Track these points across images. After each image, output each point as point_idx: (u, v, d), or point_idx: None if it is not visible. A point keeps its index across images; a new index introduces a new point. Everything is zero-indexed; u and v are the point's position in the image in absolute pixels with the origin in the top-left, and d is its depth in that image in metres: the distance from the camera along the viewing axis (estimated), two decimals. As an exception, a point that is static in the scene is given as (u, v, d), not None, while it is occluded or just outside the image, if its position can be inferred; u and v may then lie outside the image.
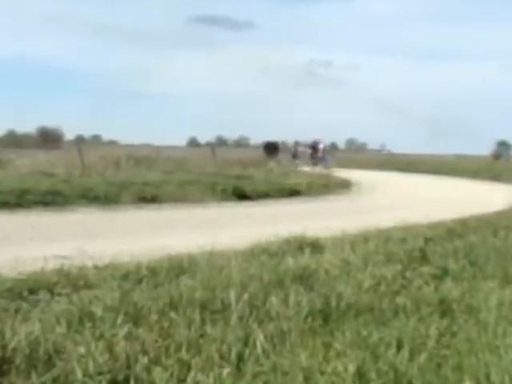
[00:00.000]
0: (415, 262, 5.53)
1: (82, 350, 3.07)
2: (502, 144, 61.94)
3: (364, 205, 14.66)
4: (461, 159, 44.32)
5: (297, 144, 33.91)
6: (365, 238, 6.93)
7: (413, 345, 3.37)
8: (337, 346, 3.31)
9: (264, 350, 3.23)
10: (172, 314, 3.65)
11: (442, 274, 5.19)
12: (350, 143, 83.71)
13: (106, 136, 73.23)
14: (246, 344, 3.27)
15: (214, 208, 12.82)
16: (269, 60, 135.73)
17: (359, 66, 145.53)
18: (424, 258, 5.75)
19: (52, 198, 11.69)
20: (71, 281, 4.56)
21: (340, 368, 3.00)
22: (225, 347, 3.20)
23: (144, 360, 3.01)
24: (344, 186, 19.95)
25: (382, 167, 29.20)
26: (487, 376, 3.00)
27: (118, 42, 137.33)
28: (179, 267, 5.05)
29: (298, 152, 32.69)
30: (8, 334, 3.19)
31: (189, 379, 2.90)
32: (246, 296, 3.96)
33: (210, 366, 3.03)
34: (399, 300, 4.24)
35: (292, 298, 4.02)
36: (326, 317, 3.82)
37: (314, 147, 31.61)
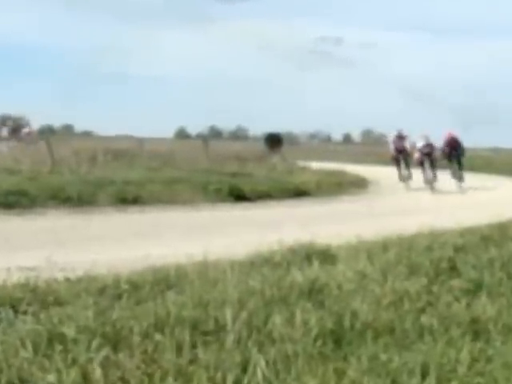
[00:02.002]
0: (443, 275, 5.54)
1: (51, 377, 3.07)
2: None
3: (383, 207, 14.67)
4: (498, 153, 44.30)
5: (401, 138, 21.20)
6: (384, 246, 6.94)
7: (440, 372, 3.38)
8: (351, 373, 3.31)
9: (265, 378, 3.23)
10: (157, 336, 3.65)
11: (475, 288, 5.19)
12: (366, 135, 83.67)
13: (80, 126, 73.46)
14: (244, 371, 3.27)
15: (207, 211, 12.82)
16: (269, 37, 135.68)
17: (376, 43, 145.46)
18: (454, 270, 5.75)
19: (16, 199, 11.69)
20: (39, 296, 4.56)
21: (355, 399, 3.00)
22: (219, 375, 3.20)
23: (124, 390, 3.01)
24: (360, 184, 19.95)
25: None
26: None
27: (92, 16, 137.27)
28: (166, 281, 5.05)
29: (405, 152, 21.04)
30: (-36, 359, 3.19)
31: (177, 412, 2.90)
32: (244, 314, 3.96)
33: (202, 396, 3.03)
34: (424, 319, 4.25)
35: (298, 317, 4.02)
36: (338, 339, 3.82)
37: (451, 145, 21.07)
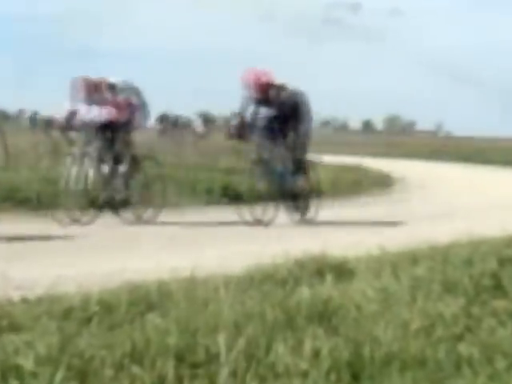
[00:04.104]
0: (485, 294, 5.54)
1: (4, 419, 3.08)
2: None
3: (411, 211, 14.67)
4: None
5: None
6: (413, 258, 6.94)
7: (482, 412, 3.38)
8: (372, 414, 3.31)
9: (267, 421, 3.24)
10: (135, 369, 3.65)
11: (524, 310, 5.19)
12: (391, 122, 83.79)
13: (40, 112, 73.30)
14: (241, 411, 3.28)
15: (196, 215, 12.82)
16: (273, 3, 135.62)
17: (402, 10, 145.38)
18: (498, 288, 5.75)
19: (-38, 201, 11.70)
20: (-10, 320, 4.56)
21: None
22: (211, 416, 3.20)
23: (94, 434, 3.01)
24: (383, 183, 19.98)
25: (438, 156, 29.19)
26: None
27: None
28: (145, 301, 5.05)
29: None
30: None
31: None
32: (241, 342, 3.96)
33: None
34: (462, 348, 4.25)
35: (307, 346, 4.02)
36: (356, 372, 3.83)
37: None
